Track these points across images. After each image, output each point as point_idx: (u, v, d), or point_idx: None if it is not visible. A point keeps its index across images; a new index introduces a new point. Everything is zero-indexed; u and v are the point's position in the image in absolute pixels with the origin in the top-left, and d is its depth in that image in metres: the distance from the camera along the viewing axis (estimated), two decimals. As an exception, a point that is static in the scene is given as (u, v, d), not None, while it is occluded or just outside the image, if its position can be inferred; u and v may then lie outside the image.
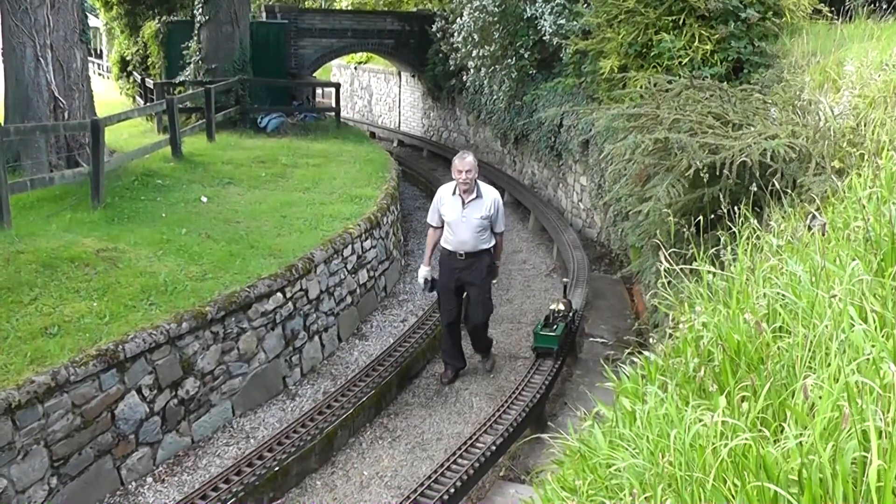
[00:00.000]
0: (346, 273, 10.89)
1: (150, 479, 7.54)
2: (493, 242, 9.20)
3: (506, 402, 8.21)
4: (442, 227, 9.17)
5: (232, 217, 11.51)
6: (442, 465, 7.03)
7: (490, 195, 9.03)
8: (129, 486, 7.41)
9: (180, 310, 8.10)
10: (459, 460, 7.12)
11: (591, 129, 13.71)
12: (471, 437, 7.50)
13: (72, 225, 10.18)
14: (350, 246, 11.00)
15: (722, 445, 2.80)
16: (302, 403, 8.98)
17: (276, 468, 7.32)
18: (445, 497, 6.54)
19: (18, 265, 8.50)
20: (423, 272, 9.30)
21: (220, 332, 8.40)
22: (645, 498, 3.03)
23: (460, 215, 8.93)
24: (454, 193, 8.98)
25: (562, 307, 9.67)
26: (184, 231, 10.47)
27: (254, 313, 8.80)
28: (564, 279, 10.81)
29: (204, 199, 12.34)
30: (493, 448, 7.34)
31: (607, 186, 12.86)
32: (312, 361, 9.87)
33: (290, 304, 9.43)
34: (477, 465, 7.09)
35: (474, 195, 8.93)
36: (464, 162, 8.80)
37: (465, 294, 9.41)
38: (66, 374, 6.85)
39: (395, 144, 25.66)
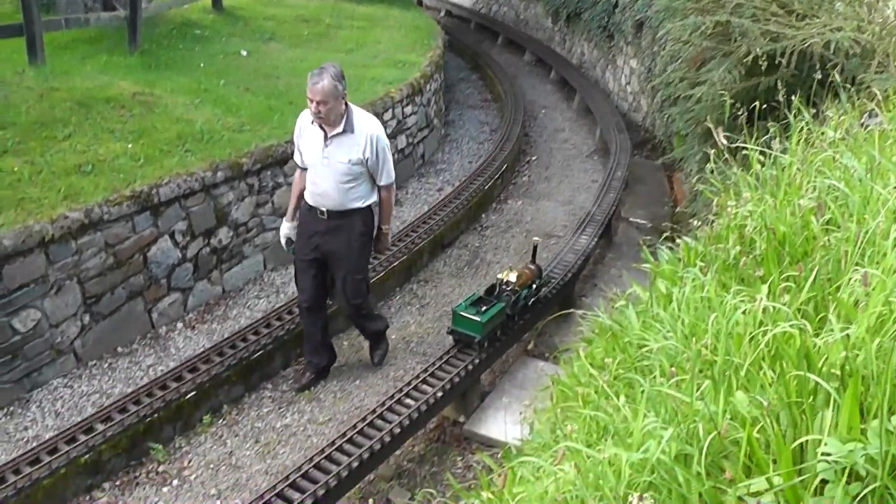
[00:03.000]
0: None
1: (180, 325, 7.59)
2: (371, 199, 6.47)
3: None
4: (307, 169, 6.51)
5: (272, 72, 11.30)
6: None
7: (366, 129, 6.19)
8: (160, 330, 7.47)
9: (216, 159, 8.00)
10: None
11: (647, 9, 13.26)
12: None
13: (107, 67, 10.02)
14: (391, 110, 10.78)
15: (761, 333, 2.68)
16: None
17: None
18: (469, 367, 6.48)
19: (52, 102, 8.39)
20: (285, 229, 6.74)
21: (255, 184, 8.31)
22: (678, 380, 2.93)
23: (321, 156, 6.24)
24: (313, 122, 6.23)
25: (512, 278, 6.91)
26: (222, 82, 10.30)
27: (290, 169, 8.66)
28: (535, 238, 7.72)
29: (244, 52, 12.10)
30: (520, 323, 7.25)
31: (658, 70, 12.50)
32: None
33: (326, 162, 9.24)
34: (502, 339, 7.02)
35: (340, 128, 6.13)
36: (314, 87, 5.90)
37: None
38: (99, 212, 6.83)
39: (442, 14, 25.06)
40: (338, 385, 6.98)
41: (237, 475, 5.98)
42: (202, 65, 11.00)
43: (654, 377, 3.24)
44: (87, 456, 5.71)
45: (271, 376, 7.08)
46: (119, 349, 7.19)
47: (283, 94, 10.27)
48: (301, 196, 6.57)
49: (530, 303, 7.22)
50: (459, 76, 18.06)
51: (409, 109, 11.41)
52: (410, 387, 6.22)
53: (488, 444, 6.35)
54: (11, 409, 6.41)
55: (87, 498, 5.75)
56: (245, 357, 6.80)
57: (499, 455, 6.22)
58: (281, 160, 8.59)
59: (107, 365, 6.99)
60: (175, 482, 5.88)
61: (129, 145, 7.89)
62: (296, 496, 5.06)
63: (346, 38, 14.11)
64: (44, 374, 6.67)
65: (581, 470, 2.79)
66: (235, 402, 6.76)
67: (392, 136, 10.90)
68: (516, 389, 6.90)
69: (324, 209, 6.37)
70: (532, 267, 7.29)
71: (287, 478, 5.22)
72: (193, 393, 6.38)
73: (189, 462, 6.10)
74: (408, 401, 6.05)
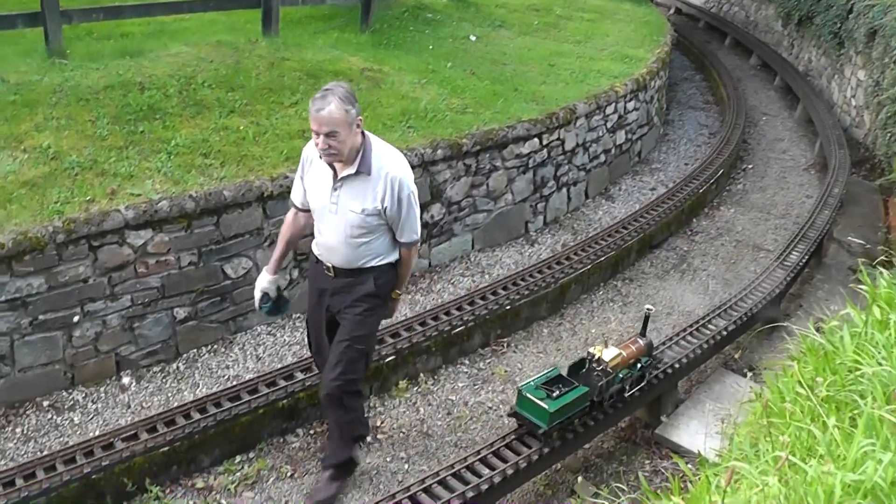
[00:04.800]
0: (605, 131, 10.63)
1: (387, 292, 7.80)
2: (391, 257, 5.11)
3: (743, 290, 7.83)
4: (308, 211, 5.25)
5: (499, 59, 11.42)
6: (670, 340, 6.84)
7: (387, 170, 4.80)
8: (368, 294, 7.70)
9: (437, 137, 8.16)
10: (688, 338, 6.90)
11: (882, 16, 12.59)
12: (702, 318, 7.23)
13: (338, 43, 10.37)
14: (613, 104, 10.69)
15: None
16: (540, 251, 8.98)
17: (508, 307, 7.39)
18: (669, 371, 6.37)
19: (283, 70, 8.79)
20: (263, 282, 5.39)
21: (472, 165, 8.42)
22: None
23: (328, 201, 4.94)
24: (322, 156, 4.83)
25: (607, 356, 5.53)
26: (449, 65, 10.48)
27: (508, 154, 8.76)
28: (648, 307, 6.07)
29: (473, 37, 12.27)
30: (723, 334, 7.05)
31: (886, 84, 11.83)
32: (556, 212, 9.81)
33: (544, 151, 9.31)
34: (704, 346, 6.85)
35: (353, 168, 4.78)
36: (318, 115, 4.57)
37: None
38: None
39: (671, 11, 24.59)
40: (532, 372, 7.00)
41: (427, 443, 6.12)
42: (431, 47, 11.23)
43: (868, 401, 3.13)
44: (285, 401, 5.99)
45: (469, 353, 7.18)
46: (325, 307, 7.46)
47: (508, 79, 10.37)
48: (289, 242, 5.43)
49: (629, 388, 5.89)
50: (683, 75, 17.72)
51: (631, 105, 11.28)
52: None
53: (676, 451, 6.24)
54: (215, 347, 6.83)
55: (281, 440, 6.03)
56: (446, 331, 6.92)
57: (688, 463, 6.13)
58: (500, 144, 8.66)
59: (310, 319, 7.29)
60: (367, 439, 6.06)
61: (354, 116, 8.17)
62: (485, 471, 5.16)
63: (574, 30, 14.07)
64: (249, 319, 7.05)
65: (789, 485, 2.72)
66: (432, 372, 6.91)
67: (612, 131, 10.84)
68: (711, 401, 6.72)
69: (330, 265, 5.12)
70: (640, 342, 5.86)
71: (478, 452, 5.32)
72: (392, 358, 6.56)
73: (382, 423, 6.28)
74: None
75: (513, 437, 5.46)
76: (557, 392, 5.32)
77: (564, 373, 5.57)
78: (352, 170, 4.77)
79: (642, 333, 5.90)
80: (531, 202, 9.32)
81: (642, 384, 5.99)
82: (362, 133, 4.79)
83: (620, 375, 5.70)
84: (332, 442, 5.61)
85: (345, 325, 5.19)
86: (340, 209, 4.87)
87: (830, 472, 2.75)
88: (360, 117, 4.69)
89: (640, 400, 6.18)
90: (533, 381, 5.43)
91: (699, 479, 3.65)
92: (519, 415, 5.39)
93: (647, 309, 5.93)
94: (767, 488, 2.82)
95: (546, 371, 5.59)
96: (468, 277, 8.26)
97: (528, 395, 5.28)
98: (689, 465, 5.44)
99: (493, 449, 5.36)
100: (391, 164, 4.82)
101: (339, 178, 4.82)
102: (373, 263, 5.04)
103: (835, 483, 2.66)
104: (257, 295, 5.38)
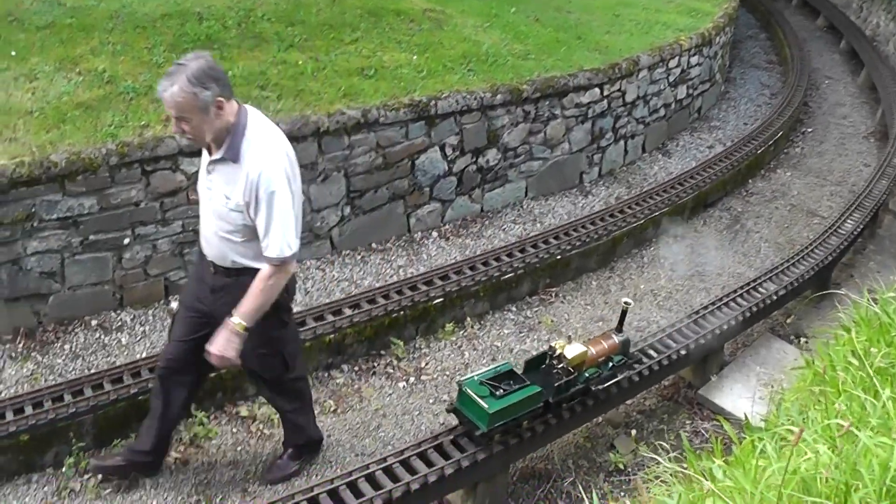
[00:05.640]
0: (667, 84, 10.46)
1: (434, 234, 7.80)
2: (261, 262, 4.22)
3: (795, 255, 7.70)
4: None
5: (563, 6, 11.26)
6: (720, 300, 6.74)
7: (256, 161, 4.03)
8: (415, 235, 7.72)
9: (497, 82, 8.08)
10: (738, 300, 6.80)
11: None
12: (753, 281, 7.11)
13: (401, -16, 10.27)
14: (677, 58, 10.48)
15: None
16: (593, 202, 8.90)
17: (558, 257, 7.34)
18: (717, 331, 6.29)
19: (343, 7, 8.74)
20: None
21: (531, 112, 8.34)
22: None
23: (205, 185, 4.28)
24: None
25: (569, 353, 4.87)
26: (513, 10, 10.36)
27: (568, 102, 8.65)
28: (626, 300, 5.17)
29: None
30: (773, 299, 6.95)
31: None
32: (612, 164, 9.70)
33: (605, 101, 9.19)
34: (753, 310, 6.73)
35: (221, 153, 4.07)
36: (163, 96, 3.90)
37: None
38: (376, 114, 7.11)
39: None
40: (579, 323, 6.98)
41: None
42: (495, -8, 11.08)
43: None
44: (332, 336, 6.01)
45: (516, 300, 7.16)
46: (373, 245, 7.50)
47: (572, 27, 10.23)
48: None
49: (595, 389, 5.20)
50: (748, 33, 17.33)
51: (694, 60, 11.06)
52: (655, 339, 6.08)
53: (718, 413, 6.20)
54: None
55: (326, 374, 6.07)
56: (495, 276, 6.90)
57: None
58: (561, 92, 8.55)
59: (360, 257, 7.32)
60: (411, 380, 6.09)
61: (414, 57, 8.12)
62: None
63: (643, -20, 13.81)
64: (299, 253, 7.03)
65: (842, 454, 2.68)
66: (479, 317, 6.90)
67: (674, 85, 10.65)
68: (756, 365, 6.67)
69: (209, 259, 4.42)
70: (615, 339, 5.21)
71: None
72: (441, 300, 6.56)
73: (426, 364, 6.30)
74: (651, 352, 5.94)
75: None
76: (503, 391, 4.66)
77: (524, 366, 5.00)
78: (219, 154, 4.08)
79: (618, 329, 5.24)
80: (587, 153, 9.22)
81: (608, 384, 5.24)
82: (240, 110, 4.10)
83: (586, 375, 5.06)
84: (287, 427, 5.17)
85: (247, 362, 4.48)
86: (214, 195, 4.18)
87: (885, 444, 2.70)
88: (220, 98, 3.91)
89: (607, 404, 5.55)
90: (478, 375, 4.76)
91: (743, 442, 3.61)
92: (458, 412, 4.78)
93: (625, 303, 5.15)
94: (818, 456, 2.77)
95: (496, 365, 4.91)
96: (519, 225, 8.21)
97: (469, 392, 4.63)
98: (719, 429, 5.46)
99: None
100: (254, 154, 4.03)
101: (210, 160, 4.15)
102: (253, 264, 4.26)
103: (891, 455, 2.62)
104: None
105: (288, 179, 4.13)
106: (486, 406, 4.55)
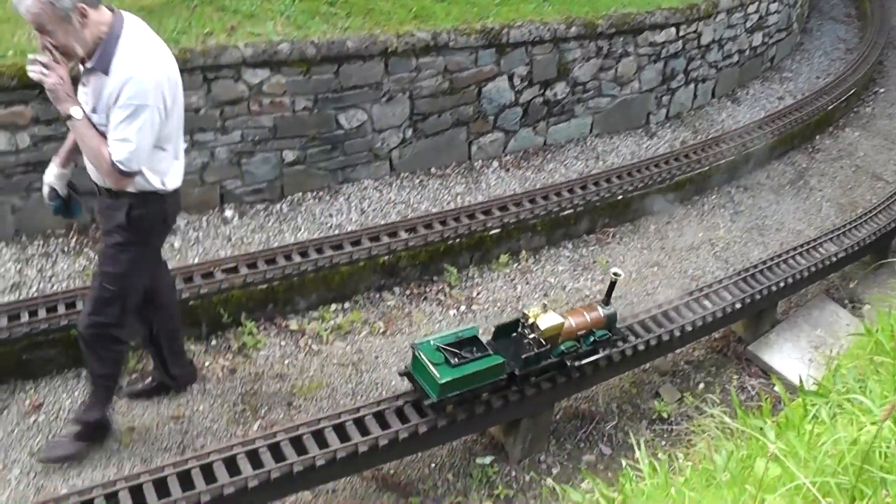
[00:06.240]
0: (743, 30, 10.18)
1: (495, 164, 7.72)
2: (149, 185, 4.02)
3: (859, 218, 7.52)
4: None
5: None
6: (778, 257, 6.60)
7: (125, 71, 3.70)
8: (475, 164, 7.64)
9: (572, 14, 7.91)
10: (797, 258, 6.65)
11: None
12: (814, 240, 6.97)
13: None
14: (757, 3, 10.20)
15: None
16: (658, 144, 8.74)
17: (619, 197, 7.24)
18: (774, 288, 6.17)
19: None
20: (49, 175, 4.23)
21: (604, 47, 8.17)
22: None
23: (81, 97, 3.88)
24: None
25: (543, 323, 4.41)
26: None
27: (642, 40, 8.46)
28: (615, 270, 4.71)
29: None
30: (832, 260, 6.80)
31: None
32: (680, 107, 9.51)
33: (679, 42, 8.97)
34: (812, 269, 6.59)
35: (91, 62, 3.75)
36: (17, 9, 3.60)
37: None
38: (446, 38, 6.99)
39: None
40: (634, 267, 6.89)
41: (517, 321, 6.08)
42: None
43: None
44: (386, 258, 5.99)
45: (573, 237, 7.08)
46: (433, 170, 7.42)
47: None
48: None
49: (571, 364, 4.75)
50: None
51: (774, 6, 10.76)
52: (711, 290, 5.96)
53: (765, 371, 6.14)
54: (321, 194, 6.85)
55: (378, 296, 6.07)
56: (554, 211, 6.82)
57: (772, 386, 6.02)
58: (636, 30, 8.37)
59: (418, 181, 7.26)
60: (462, 308, 6.07)
61: (489, -17, 7.93)
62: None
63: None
64: (357, 172, 7.04)
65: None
66: (534, 250, 6.83)
67: (750, 31, 10.37)
68: (808, 326, 6.57)
69: (93, 178, 4.16)
70: (600, 312, 4.78)
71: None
72: (497, 230, 6.50)
73: (477, 294, 6.27)
74: (706, 303, 5.84)
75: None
76: (459, 359, 4.28)
77: (494, 332, 4.59)
78: (90, 64, 3.76)
79: (606, 301, 4.81)
80: (657, 93, 9.03)
81: (585, 361, 4.80)
82: (115, 19, 3.78)
83: (562, 348, 4.66)
84: (89, 395, 4.69)
85: (99, 258, 4.43)
86: (87, 109, 3.84)
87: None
88: (82, 5, 3.57)
89: (580, 382, 5.06)
90: (437, 338, 4.38)
91: (793, 404, 3.53)
92: (411, 377, 4.42)
93: (614, 274, 4.70)
94: (880, 430, 2.69)
95: (460, 329, 4.53)
96: (581, 161, 8.08)
97: (422, 357, 4.26)
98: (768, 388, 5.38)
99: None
100: (125, 64, 3.70)
101: (83, 71, 3.83)
102: (130, 188, 3.98)
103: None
104: (45, 189, 4.25)
105: (163, 99, 3.81)
106: (437, 375, 4.18)
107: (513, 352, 4.51)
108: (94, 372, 4.52)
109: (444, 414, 4.42)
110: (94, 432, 4.64)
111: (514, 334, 4.55)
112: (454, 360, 4.24)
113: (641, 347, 5.24)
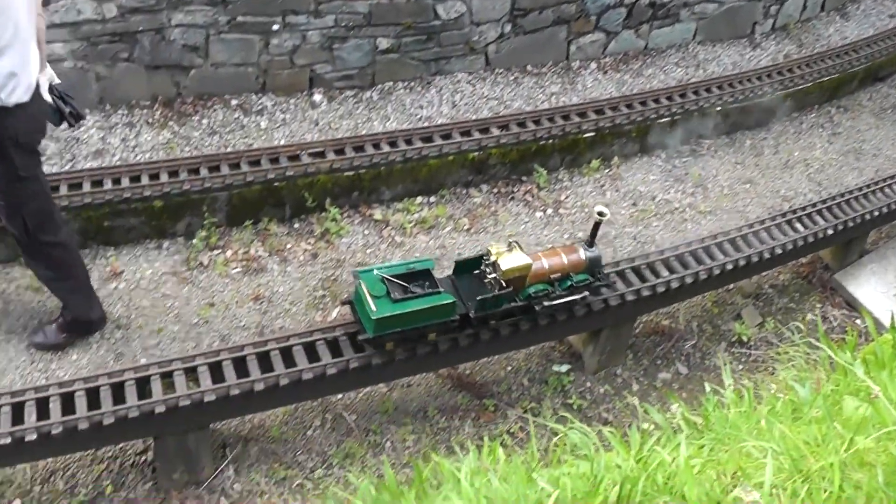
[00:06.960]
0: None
1: (593, 65, 7.50)
2: (12, 96, 3.70)
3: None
4: None
5: None
6: (875, 184, 6.36)
7: None
8: (573, 64, 7.44)
9: None
10: (893, 187, 6.41)
11: None
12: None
13: None
14: None
15: None
16: (761, 56, 8.39)
17: (717, 108, 7.01)
18: (859, 220, 5.93)
19: None
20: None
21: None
22: None
23: None
24: None
25: (508, 263, 4.07)
26: None
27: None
28: (600, 208, 4.28)
29: None
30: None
31: None
32: (787, 19, 9.07)
33: (794, -54, 8.55)
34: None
35: None
36: None
37: None
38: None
39: None
40: (727, 182, 6.73)
41: (605, 229, 5.88)
42: None
43: None
44: (476, 154, 5.93)
45: (667, 147, 6.90)
46: (529, 68, 7.24)
47: None
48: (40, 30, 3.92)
49: (539, 309, 4.35)
50: None
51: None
52: (804, 213, 5.79)
53: (849, 303, 6.02)
54: (412, 85, 6.72)
55: (465, 192, 6.02)
56: (651, 118, 6.66)
57: (855, 318, 5.91)
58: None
59: (513, 78, 7.10)
60: (548, 211, 6.01)
61: None
62: (649, 278, 4.92)
63: None
64: (451, 65, 6.88)
65: None
66: (626, 157, 6.70)
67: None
68: (897, 259, 6.41)
69: None
70: (581, 254, 4.39)
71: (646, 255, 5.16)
72: (592, 134, 6.37)
73: (566, 198, 6.19)
74: (797, 225, 5.69)
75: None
76: (402, 294, 3.97)
77: (454, 266, 4.32)
78: None
79: (589, 243, 4.42)
80: (766, 2, 8.63)
81: (556, 303, 4.37)
82: None
83: (529, 292, 4.28)
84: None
85: None
86: None
87: None
88: None
89: (547, 331, 4.71)
90: (385, 268, 4.08)
91: (880, 341, 3.41)
92: (352, 307, 4.13)
93: (599, 213, 4.26)
94: None
95: (414, 260, 4.30)
96: (682, 68, 7.81)
97: (363, 288, 3.95)
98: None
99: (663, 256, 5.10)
100: None
101: None
102: None
103: None
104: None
105: None
106: (373, 309, 3.88)
107: (471, 290, 4.20)
108: (39, 275, 4.45)
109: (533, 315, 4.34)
110: (77, 326, 4.59)
111: (476, 271, 4.26)
112: (395, 295, 3.93)
113: (730, 267, 5.15)
